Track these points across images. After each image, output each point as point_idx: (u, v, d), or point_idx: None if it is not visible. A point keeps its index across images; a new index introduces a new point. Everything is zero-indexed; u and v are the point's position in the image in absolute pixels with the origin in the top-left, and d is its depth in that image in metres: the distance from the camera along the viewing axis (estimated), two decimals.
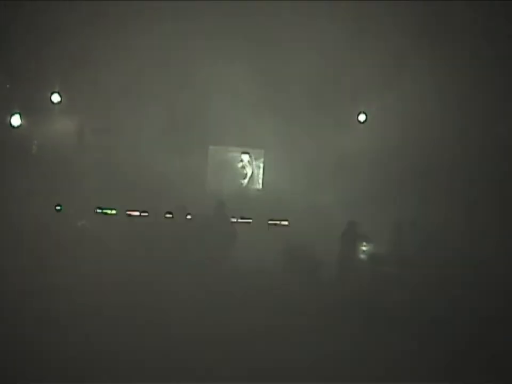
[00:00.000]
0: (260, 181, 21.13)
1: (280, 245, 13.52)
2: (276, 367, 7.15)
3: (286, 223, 18.78)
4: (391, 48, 17.45)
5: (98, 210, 18.37)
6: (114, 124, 18.78)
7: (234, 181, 21.22)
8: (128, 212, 17.88)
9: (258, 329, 8.16)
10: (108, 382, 6.38)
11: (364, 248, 12.79)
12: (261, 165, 21.19)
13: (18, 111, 17.78)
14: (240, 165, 21.26)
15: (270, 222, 18.65)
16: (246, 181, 21.27)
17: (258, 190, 21.09)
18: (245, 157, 21.27)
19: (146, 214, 16.78)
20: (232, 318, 8.48)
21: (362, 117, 19.75)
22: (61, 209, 18.30)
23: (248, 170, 21.27)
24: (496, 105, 16.94)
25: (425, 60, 16.64)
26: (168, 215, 14.33)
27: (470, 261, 11.60)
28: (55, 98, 19.15)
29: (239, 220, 16.47)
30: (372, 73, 17.81)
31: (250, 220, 17.98)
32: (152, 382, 6.46)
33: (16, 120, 17.81)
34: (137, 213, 17.33)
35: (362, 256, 12.36)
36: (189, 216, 14.30)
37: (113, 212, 18.39)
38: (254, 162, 21.22)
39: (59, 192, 17.68)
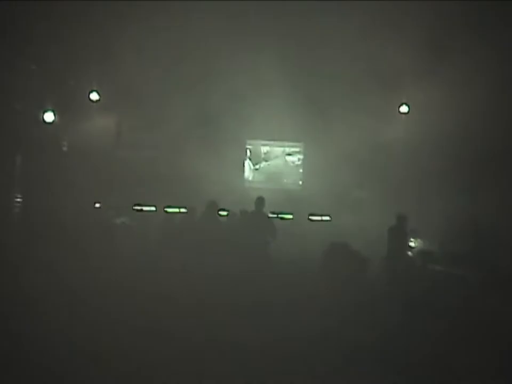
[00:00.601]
0: (300, 176, 20.83)
1: (322, 241, 13.12)
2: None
3: (327, 218, 18.43)
4: (433, 37, 16.85)
5: (137, 207, 18.42)
6: (151, 122, 18.65)
7: (273, 176, 20.97)
8: (167, 209, 17.78)
9: (301, 329, 7.88)
10: None
11: (413, 244, 12.16)
12: (300, 159, 20.93)
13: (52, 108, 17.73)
14: (279, 159, 20.97)
15: (311, 217, 18.32)
16: (285, 175, 20.97)
17: (298, 184, 20.78)
18: (283, 151, 21.00)
19: (185, 210, 16.66)
20: (273, 318, 8.21)
21: (404, 108, 19.21)
22: (100, 206, 18.36)
23: (287, 165, 20.95)
24: None
25: (469, 47, 16.00)
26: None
27: None
28: (94, 96, 19.15)
29: (279, 216, 16.18)
30: (414, 62, 17.21)
31: (291, 216, 17.71)
32: None
33: (50, 117, 17.77)
34: (175, 210, 17.22)
35: (411, 253, 11.68)
36: (224, 213, 14.01)
37: (152, 208, 18.38)
38: (292, 157, 20.92)
39: (97, 189, 17.68)
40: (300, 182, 20.75)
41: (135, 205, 18.71)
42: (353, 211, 16.96)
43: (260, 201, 9.84)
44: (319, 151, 19.15)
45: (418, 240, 12.34)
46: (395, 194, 17.19)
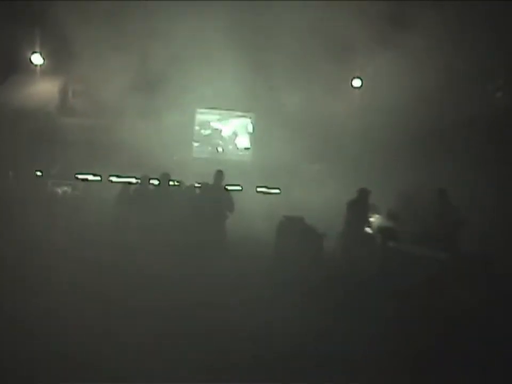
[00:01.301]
0: (250, 147, 20.45)
1: (272, 215, 12.80)
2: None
3: (276, 191, 18.15)
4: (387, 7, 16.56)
5: (80, 176, 17.49)
6: (97, 87, 17.79)
7: (222, 147, 20.53)
8: (112, 178, 17.09)
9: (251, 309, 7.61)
10: None
11: (373, 220, 11.53)
12: (251, 130, 20.54)
13: None
14: (229, 129, 20.53)
15: (259, 190, 17.99)
16: (234, 146, 20.56)
17: (247, 155, 20.41)
18: (235, 122, 20.56)
19: (132, 180, 16.05)
20: (222, 297, 7.94)
21: (357, 82, 19.03)
22: (42, 175, 17.48)
23: (238, 135, 20.55)
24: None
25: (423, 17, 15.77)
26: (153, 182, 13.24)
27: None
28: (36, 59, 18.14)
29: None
30: (367, 33, 16.90)
31: (239, 188, 17.31)
32: None
33: None
34: (121, 179, 16.56)
35: (371, 229, 11.10)
36: (176, 183, 13.52)
37: (97, 178, 17.56)
38: (243, 127, 20.51)
39: (40, 157, 16.85)
40: (250, 153, 20.33)
41: (78, 173, 17.63)
42: (305, 185, 16.76)
43: (219, 174, 9.53)
44: (269, 121, 18.71)
45: (378, 216, 11.83)
46: (350, 168, 17.04)
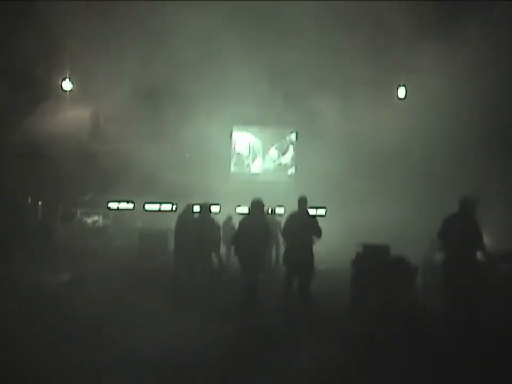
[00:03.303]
0: (290, 163, 19.50)
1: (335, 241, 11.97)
2: None
3: (322, 212, 16.94)
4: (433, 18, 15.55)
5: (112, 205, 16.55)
6: (128, 113, 17.16)
7: (260, 164, 19.62)
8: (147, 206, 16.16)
9: None
10: None
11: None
12: (292, 146, 19.46)
13: None
14: (268, 146, 19.59)
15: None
16: (274, 163, 19.62)
17: (288, 173, 19.42)
18: (274, 138, 19.65)
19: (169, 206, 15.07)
20: None
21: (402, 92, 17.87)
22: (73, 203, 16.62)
23: (277, 151, 19.60)
24: None
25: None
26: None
27: None
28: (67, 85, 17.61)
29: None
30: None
31: (282, 210, 16.05)
32: None
33: None
34: (156, 206, 15.64)
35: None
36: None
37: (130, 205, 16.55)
38: (283, 143, 19.53)
39: (71, 185, 16.21)
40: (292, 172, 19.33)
41: (109, 201, 16.61)
42: (355, 203, 15.61)
43: (303, 200, 8.65)
44: (311, 136, 17.63)
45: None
46: (396, 187, 15.96)
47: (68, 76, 17.45)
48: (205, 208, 10.13)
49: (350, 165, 16.83)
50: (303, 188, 16.51)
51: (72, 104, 17.65)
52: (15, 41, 14.92)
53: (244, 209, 14.90)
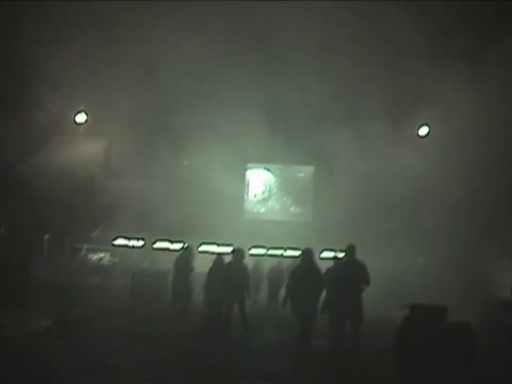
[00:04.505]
0: (307, 203, 18.82)
1: None
2: None
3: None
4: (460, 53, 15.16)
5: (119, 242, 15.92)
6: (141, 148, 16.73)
7: (280, 205, 19.03)
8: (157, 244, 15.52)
9: None
10: None
11: None
12: (309, 185, 18.79)
13: None
14: (283, 185, 19.01)
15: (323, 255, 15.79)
16: (290, 204, 18.96)
17: (305, 213, 18.71)
18: (291, 176, 19.04)
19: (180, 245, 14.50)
20: None
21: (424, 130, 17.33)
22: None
23: (294, 191, 18.98)
24: None
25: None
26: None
27: None
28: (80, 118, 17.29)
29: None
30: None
31: (298, 252, 15.24)
32: None
33: None
34: (166, 245, 15.01)
35: None
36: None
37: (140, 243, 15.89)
38: (299, 182, 18.94)
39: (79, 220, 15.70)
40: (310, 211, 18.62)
41: (118, 237, 15.80)
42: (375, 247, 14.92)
43: (351, 248, 8.47)
44: (329, 175, 16.96)
45: None
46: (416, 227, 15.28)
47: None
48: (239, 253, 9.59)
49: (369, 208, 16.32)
50: (320, 230, 16.02)
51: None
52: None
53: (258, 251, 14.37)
